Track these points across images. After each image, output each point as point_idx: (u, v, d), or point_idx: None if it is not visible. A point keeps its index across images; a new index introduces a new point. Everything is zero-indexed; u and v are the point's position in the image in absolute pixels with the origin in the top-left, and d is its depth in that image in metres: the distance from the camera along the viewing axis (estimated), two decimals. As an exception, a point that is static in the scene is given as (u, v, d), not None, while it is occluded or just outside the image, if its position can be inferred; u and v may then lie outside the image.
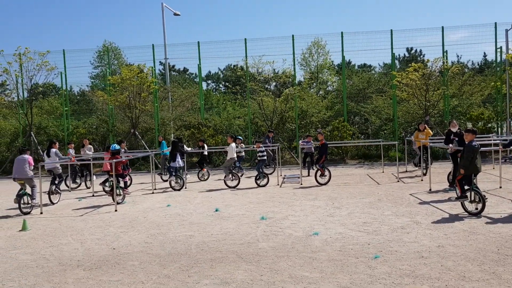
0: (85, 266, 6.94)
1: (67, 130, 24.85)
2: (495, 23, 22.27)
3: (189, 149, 17.97)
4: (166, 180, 17.31)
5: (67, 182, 16.28)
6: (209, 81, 47.74)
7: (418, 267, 6.18)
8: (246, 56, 23.73)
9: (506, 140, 14.65)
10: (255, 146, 16.02)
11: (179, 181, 14.88)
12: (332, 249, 7.22)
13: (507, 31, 21.17)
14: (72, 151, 16.05)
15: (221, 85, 45.32)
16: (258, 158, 15.32)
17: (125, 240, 8.41)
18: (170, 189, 15.05)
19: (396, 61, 40.44)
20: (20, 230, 9.71)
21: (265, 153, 15.43)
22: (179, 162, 15.06)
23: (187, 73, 45.79)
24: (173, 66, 46.09)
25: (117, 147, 13.52)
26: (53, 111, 27.23)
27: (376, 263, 6.43)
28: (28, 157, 12.03)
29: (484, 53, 37.82)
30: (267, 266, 6.53)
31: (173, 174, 14.93)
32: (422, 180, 14.61)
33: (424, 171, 15.15)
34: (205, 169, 17.55)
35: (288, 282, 5.86)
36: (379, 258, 6.65)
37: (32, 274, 6.70)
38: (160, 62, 38.98)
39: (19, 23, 78.69)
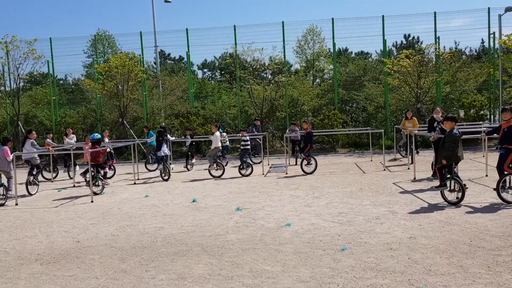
0: (44, 260, 6.71)
1: (55, 119, 24.55)
2: (488, 8, 21.87)
3: (173, 138, 17.69)
4: (151, 170, 17.10)
5: (46, 173, 15.99)
6: (205, 70, 47.35)
7: (384, 260, 5.94)
8: (235, 43, 23.33)
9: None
10: (240, 134, 15.74)
11: (166, 170, 14.61)
12: (301, 241, 6.98)
13: (500, 16, 20.74)
14: (49, 141, 15.75)
15: (217, 74, 44.91)
16: (241, 147, 15.03)
17: (92, 233, 8.18)
18: (153, 179, 14.81)
19: (393, 48, 40.01)
20: (-11, 223, 9.48)
21: (248, 142, 15.12)
22: (165, 151, 14.80)
23: (183, 61, 45.38)
24: (169, 54, 45.72)
25: (97, 136, 13.27)
26: (43, 100, 26.92)
27: (342, 256, 6.19)
28: (4, 148, 11.73)
29: (482, 39, 37.32)
30: (229, 260, 6.29)
31: (160, 163, 14.67)
32: (408, 168, 14.34)
33: (411, 160, 14.89)
34: (194, 159, 17.47)
35: (246, 277, 5.62)
36: (346, 250, 6.41)
37: (-13, 269, 6.47)
38: (154, 50, 38.63)
39: (7, 12, 77.88)
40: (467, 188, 8.99)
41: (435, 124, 11.55)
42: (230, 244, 7.03)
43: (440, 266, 5.64)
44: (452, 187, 8.96)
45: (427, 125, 12.89)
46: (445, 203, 9.05)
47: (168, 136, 16.22)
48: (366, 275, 5.47)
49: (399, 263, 5.79)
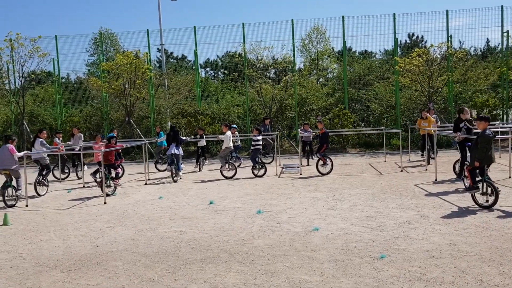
0: (64, 267, 6.35)
1: (60, 118, 24.17)
2: (502, 6, 21.50)
3: (187, 138, 17.24)
4: (161, 170, 16.73)
5: (55, 173, 15.59)
6: (208, 69, 46.90)
7: (429, 269, 5.59)
8: (244, 41, 22.94)
9: None
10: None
11: (174, 171, 14.19)
12: (334, 247, 6.62)
13: (514, 14, 20.38)
14: (58, 140, 15.35)
15: (219, 73, 44.45)
16: (252, 148, 14.60)
17: (110, 237, 7.81)
18: (164, 179, 14.45)
19: (398, 47, 39.62)
20: (0, 225, 9.10)
21: (260, 142, 14.65)
22: (172, 150, 14.26)
23: (185, 60, 44.93)
24: (171, 53, 45.23)
25: (110, 134, 12.92)
26: (47, 98, 26.55)
27: (382, 264, 5.83)
28: (9, 146, 11.35)
29: (487, 38, 36.96)
30: (262, 268, 5.93)
31: (170, 163, 14.25)
32: (426, 169, 13.99)
33: (428, 161, 14.54)
34: (207, 159, 17.26)
35: (284, 287, 5.26)
36: (385, 258, 6.05)
37: (4, 276, 6.10)
38: (158, 49, 38.21)
39: (11, 9, 77.40)
40: (500, 191, 8.62)
41: (461, 125, 11.19)
42: (259, 250, 6.67)
43: (491, 276, 5.28)
44: (484, 190, 8.60)
45: (446, 123, 12.53)
46: (476, 206, 8.70)
47: (181, 136, 15.77)
48: (414, 286, 5.11)
49: (446, 273, 5.44)
